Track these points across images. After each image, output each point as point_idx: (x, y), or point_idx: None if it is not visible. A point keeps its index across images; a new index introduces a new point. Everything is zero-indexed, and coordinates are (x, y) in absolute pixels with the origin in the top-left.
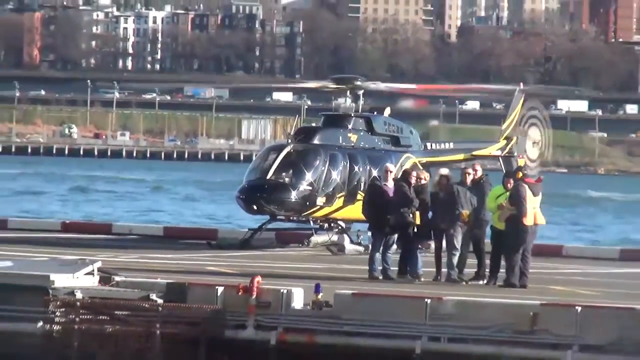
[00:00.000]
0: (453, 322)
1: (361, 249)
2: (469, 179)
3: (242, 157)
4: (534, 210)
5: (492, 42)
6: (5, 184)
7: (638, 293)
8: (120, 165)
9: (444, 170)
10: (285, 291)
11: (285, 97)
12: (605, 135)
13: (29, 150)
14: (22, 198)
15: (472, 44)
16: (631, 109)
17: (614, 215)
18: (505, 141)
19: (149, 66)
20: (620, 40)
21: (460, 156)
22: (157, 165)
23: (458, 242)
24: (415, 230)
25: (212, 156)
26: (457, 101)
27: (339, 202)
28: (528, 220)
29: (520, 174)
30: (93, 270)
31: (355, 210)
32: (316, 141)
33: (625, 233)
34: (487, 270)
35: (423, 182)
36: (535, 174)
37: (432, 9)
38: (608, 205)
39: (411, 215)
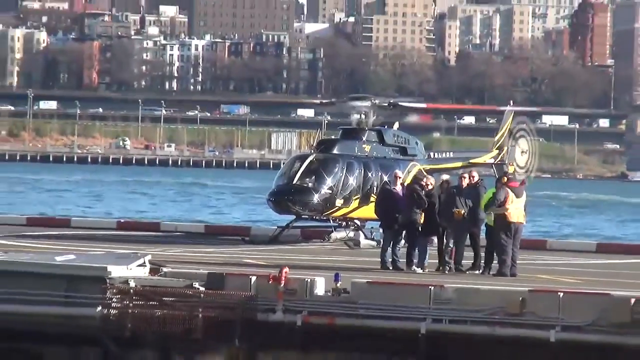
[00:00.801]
0: (453, 306)
1: (374, 243)
2: (465, 183)
3: (271, 165)
4: (517, 210)
5: (486, 66)
6: (71, 188)
7: (612, 280)
8: (168, 172)
9: (445, 176)
10: (309, 280)
11: (309, 113)
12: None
13: (89, 159)
14: (86, 200)
15: (468, 67)
16: (603, 122)
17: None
18: (497, 151)
19: (191, 87)
20: (596, 64)
21: (459, 164)
22: (199, 172)
23: (453, 238)
24: (422, 227)
25: (246, 164)
26: (455, 116)
27: (354, 203)
28: (512, 218)
29: (505, 179)
30: (144, 263)
31: (369, 210)
32: (335, 151)
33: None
34: (483, 261)
35: (430, 187)
36: (523, 178)
37: (434, 37)
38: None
39: (419, 215)
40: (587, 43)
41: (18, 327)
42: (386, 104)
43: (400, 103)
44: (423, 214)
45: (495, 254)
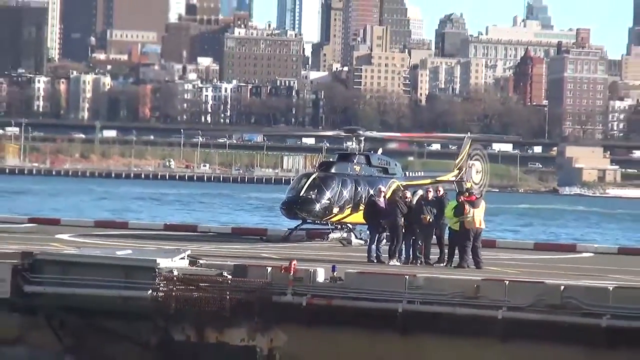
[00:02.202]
0: (423, 291)
1: (362, 242)
2: (431, 195)
3: (283, 181)
4: (477, 217)
5: (449, 105)
6: (127, 196)
7: (546, 272)
8: (204, 186)
9: (420, 191)
10: (312, 270)
11: (311, 141)
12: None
13: (142, 176)
14: (140, 206)
15: (435, 106)
16: (537, 149)
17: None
18: (458, 171)
19: (221, 120)
20: (534, 104)
21: (428, 181)
22: (228, 186)
23: (422, 239)
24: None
25: (264, 180)
26: (425, 144)
27: (348, 211)
28: (472, 224)
29: (466, 194)
30: (185, 256)
31: (358, 217)
32: (333, 171)
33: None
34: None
35: (408, 198)
36: (478, 193)
37: (409, 82)
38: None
39: (400, 220)
40: (527, 87)
41: (88, 305)
42: (372, 135)
43: (384, 135)
44: (403, 218)
45: (458, 251)
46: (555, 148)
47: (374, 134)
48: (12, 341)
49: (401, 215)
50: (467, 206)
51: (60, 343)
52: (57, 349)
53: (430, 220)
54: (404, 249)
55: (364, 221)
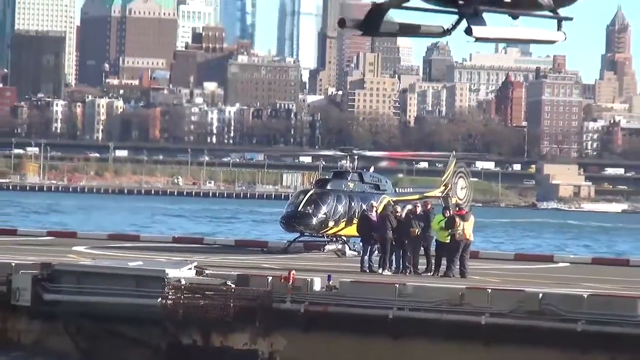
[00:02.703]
0: (412, 299)
1: (355, 253)
2: (419, 210)
3: (283, 197)
4: (467, 230)
5: (436, 126)
6: (141, 212)
7: (525, 280)
8: (210, 201)
9: (409, 206)
10: (309, 279)
11: (308, 160)
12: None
13: (152, 192)
14: (152, 220)
15: (423, 127)
16: (517, 167)
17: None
18: (444, 187)
19: (225, 141)
20: (514, 125)
21: (416, 197)
22: (232, 202)
23: (410, 251)
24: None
25: (265, 196)
26: (413, 162)
27: (342, 224)
28: (459, 237)
29: (457, 208)
30: (192, 267)
31: (352, 230)
32: (328, 187)
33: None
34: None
35: (399, 213)
36: (468, 207)
37: (399, 105)
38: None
39: (391, 233)
40: (508, 110)
41: (103, 312)
42: (364, 154)
43: (375, 154)
44: (393, 231)
45: (446, 261)
46: (533, 165)
47: (367, 152)
48: (33, 346)
49: (390, 229)
50: (457, 219)
51: (76, 347)
52: (74, 352)
53: (419, 233)
54: (394, 259)
55: (357, 234)
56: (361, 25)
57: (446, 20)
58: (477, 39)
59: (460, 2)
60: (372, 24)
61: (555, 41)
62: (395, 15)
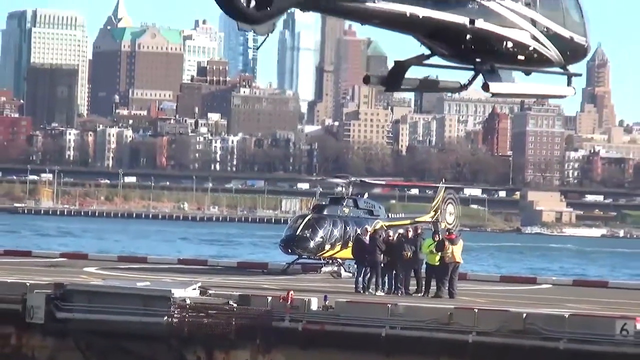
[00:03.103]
0: (403, 318)
1: (350, 274)
2: (410, 234)
3: (282, 221)
4: (456, 253)
5: (426, 155)
6: (148, 235)
7: (510, 301)
8: (214, 225)
9: (401, 230)
10: (307, 299)
11: (306, 186)
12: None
13: (159, 216)
14: (159, 244)
15: (414, 156)
16: (502, 194)
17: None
18: (434, 212)
19: (228, 168)
20: (500, 154)
21: (408, 222)
22: (234, 225)
23: (402, 273)
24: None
25: (265, 220)
26: (405, 189)
27: (338, 247)
28: (449, 259)
29: (447, 233)
30: (196, 287)
31: (347, 253)
32: (325, 212)
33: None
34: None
35: (390, 238)
36: (457, 232)
37: (391, 135)
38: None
39: (381, 256)
40: (494, 140)
41: (112, 330)
42: (359, 181)
43: (368, 181)
44: (383, 254)
45: (436, 282)
46: (518, 192)
47: (362, 180)
48: None
49: (380, 252)
50: (447, 243)
51: None
52: None
53: (410, 256)
54: (386, 281)
55: (352, 256)
56: (385, 81)
57: (463, 74)
58: (494, 94)
59: (477, 59)
60: (394, 80)
61: (565, 96)
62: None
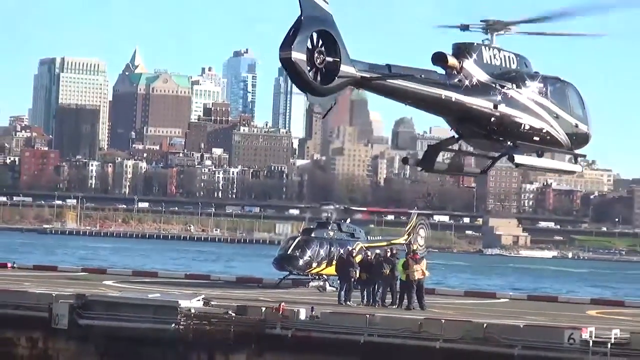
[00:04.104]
0: (380, 327)
1: (334, 289)
2: (388, 254)
3: (276, 242)
4: (419, 271)
5: (401, 186)
6: (159, 253)
7: (473, 313)
8: (217, 245)
9: (377, 250)
10: (296, 310)
11: (296, 212)
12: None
13: (169, 237)
14: (168, 261)
15: (391, 187)
16: (467, 220)
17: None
18: (407, 236)
19: (229, 196)
20: (465, 185)
21: (384, 243)
22: (235, 246)
23: (385, 287)
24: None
25: (261, 241)
26: (383, 215)
27: (323, 265)
28: (412, 276)
29: (412, 254)
30: (200, 299)
31: (332, 270)
32: (313, 235)
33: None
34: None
35: (369, 257)
36: (424, 253)
37: (371, 169)
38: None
39: (356, 273)
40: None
41: (127, 335)
42: (342, 208)
43: (351, 208)
44: (358, 271)
45: (406, 296)
46: (480, 219)
47: (345, 207)
48: None
49: (353, 269)
50: (411, 262)
51: None
52: None
53: (388, 273)
54: (365, 295)
55: (335, 273)
56: (420, 163)
57: None
58: (517, 165)
59: (503, 141)
60: (428, 162)
61: (574, 172)
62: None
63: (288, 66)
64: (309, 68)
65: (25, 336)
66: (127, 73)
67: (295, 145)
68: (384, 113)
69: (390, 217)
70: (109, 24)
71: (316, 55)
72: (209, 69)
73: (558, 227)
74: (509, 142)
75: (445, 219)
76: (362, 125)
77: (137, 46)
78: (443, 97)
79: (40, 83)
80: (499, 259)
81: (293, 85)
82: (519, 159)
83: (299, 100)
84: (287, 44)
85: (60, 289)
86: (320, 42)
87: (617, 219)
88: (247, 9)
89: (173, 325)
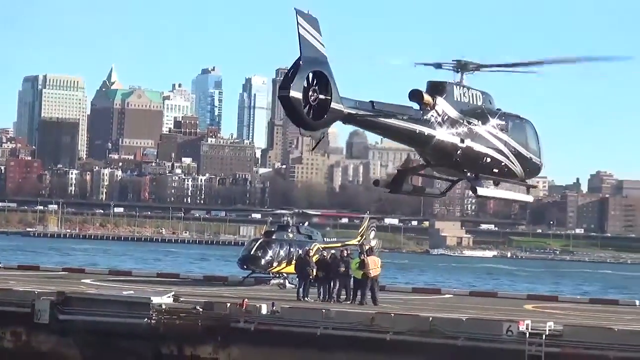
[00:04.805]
0: (334, 320)
1: (293, 286)
2: (343, 254)
3: (240, 243)
4: (374, 269)
5: (355, 192)
6: (133, 254)
7: (420, 307)
8: (186, 246)
9: (332, 251)
10: (258, 305)
11: (259, 216)
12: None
13: (142, 239)
14: (140, 260)
15: (345, 193)
16: (414, 223)
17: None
18: (360, 237)
19: (197, 201)
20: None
21: (339, 244)
22: (203, 247)
23: (340, 285)
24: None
25: (227, 242)
26: (338, 219)
27: (284, 264)
28: (369, 274)
29: (367, 252)
30: (170, 295)
31: (291, 268)
32: (274, 237)
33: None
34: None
35: (325, 257)
36: (376, 253)
37: (327, 176)
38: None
39: (313, 271)
40: (415, 180)
41: (103, 329)
42: (301, 212)
43: (308, 212)
44: (315, 270)
45: (359, 292)
46: (427, 222)
47: (303, 211)
48: (50, 354)
49: (310, 268)
50: (366, 261)
51: (82, 356)
52: (80, 359)
53: (342, 271)
54: (322, 292)
55: (294, 272)
56: (389, 185)
57: None
58: (480, 197)
59: (466, 171)
60: (397, 185)
61: (528, 202)
62: None
63: (286, 104)
64: (303, 104)
65: (10, 330)
66: (104, 89)
67: (258, 155)
68: (339, 125)
69: (345, 221)
70: (87, 43)
71: (310, 93)
72: (179, 85)
73: (497, 229)
74: (470, 173)
75: (395, 222)
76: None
77: (113, 64)
78: (417, 132)
79: (24, 98)
80: (444, 258)
81: (256, 100)
82: (480, 191)
83: (262, 114)
84: (286, 84)
85: (42, 286)
86: (315, 82)
87: (551, 222)
88: (214, 30)
89: (146, 319)
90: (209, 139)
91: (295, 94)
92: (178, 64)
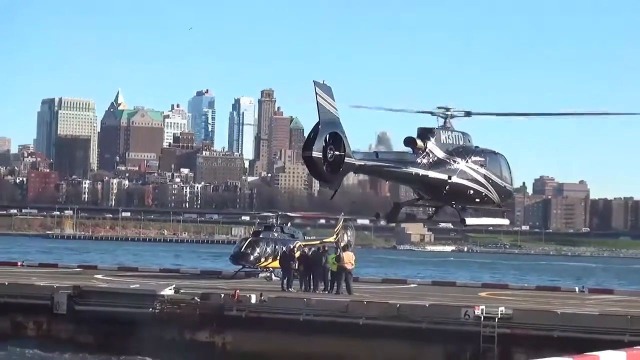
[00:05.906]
0: (315, 308)
1: (278, 279)
2: (321, 250)
3: (232, 242)
4: (348, 263)
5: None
6: (138, 252)
7: (389, 295)
8: (185, 245)
9: (313, 247)
10: (248, 295)
11: (248, 218)
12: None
13: (147, 240)
14: (146, 258)
15: (323, 197)
16: (383, 222)
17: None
18: (336, 235)
19: (194, 206)
20: (382, 195)
21: (318, 242)
22: (200, 246)
23: (319, 277)
24: (296, 271)
25: (220, 241)
26: (317, 220)
27: (270, 260)
28: (344, 267)
29: (343, 248)
30: (172, 288)
31: (276, 263)
32: (261, 236)
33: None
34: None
35: (306, 253)
36: (351, 248)
37: (307, 183)
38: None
39: (296, 265)
40: (377, 185)
41: (114, 318)
42: (284, 215)
43: (290, 214)
44: (297, 264)
45: (335, 283)
46: None
47: (286, 214)
48: (67, 341)
49: (293, 262)
50: (342, 255)
51: (96, 342)
52: (95, 345)
53: (321, 265)
54: (303, 283)
55: (279, 266)
56: (387, 217)
57: None
58: (467, 226)
59: (453, 203)
60: (392, 216)
61: (505, 225)
62: None
63: (309, 163)
64: (323, 161)
65: (32, 320)
66: (112, 110)
67: (247, 165)
68: None
69: (322, 221)
70: (96, 70)
71: (328, 151)
72: (177, 106)
73: (455, 227)
74: (456, 204)
75: (366, 222)
76: (299, 148)
77: (119, 88)
78: (413, 174)
79: (43, 118)
80: (409, 253)
81: (245, 118)
82: (469, 221)
83: (249, 130)
84: (308, 146)
85: (60, 281)
86: (331, 141)
87: None
88: (207, 57)
89: (150, 309)
90: (204, 152)
91: (317, 154)
92: (176, 87)
